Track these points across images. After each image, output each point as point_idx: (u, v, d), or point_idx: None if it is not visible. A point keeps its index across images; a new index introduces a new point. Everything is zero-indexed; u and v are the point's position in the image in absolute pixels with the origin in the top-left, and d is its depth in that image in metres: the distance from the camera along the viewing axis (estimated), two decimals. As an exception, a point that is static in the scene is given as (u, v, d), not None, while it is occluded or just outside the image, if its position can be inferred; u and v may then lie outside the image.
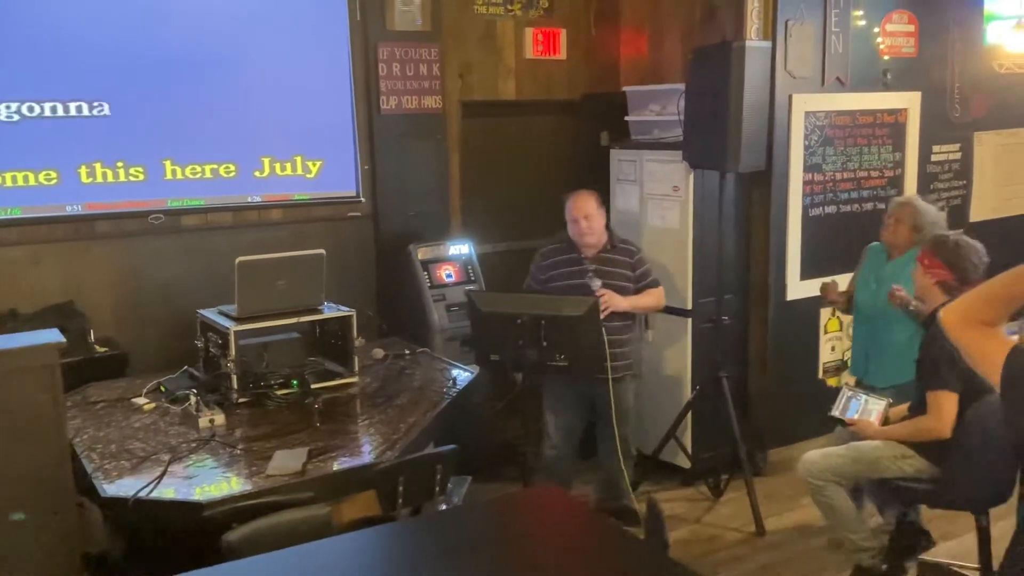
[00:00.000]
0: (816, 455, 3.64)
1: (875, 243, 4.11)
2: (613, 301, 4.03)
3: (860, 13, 4.92)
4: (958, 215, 5.61)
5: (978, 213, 5.78)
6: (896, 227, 3.95)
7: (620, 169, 4.97)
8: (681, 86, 4.50)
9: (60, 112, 4.29)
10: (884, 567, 3.61)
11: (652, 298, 4.19)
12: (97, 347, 4.23)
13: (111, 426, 3.39)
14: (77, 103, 4.32)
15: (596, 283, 4.06)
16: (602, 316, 3.85)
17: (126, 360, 4.23)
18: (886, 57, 5.08)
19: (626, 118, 5.10)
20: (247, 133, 4.73)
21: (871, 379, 3.98)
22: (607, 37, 5.64)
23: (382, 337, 4.55)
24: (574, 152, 5.86)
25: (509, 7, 5.48)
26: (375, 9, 4.93)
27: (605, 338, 4.05)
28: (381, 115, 5.02)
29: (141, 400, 3.65)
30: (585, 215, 4.09)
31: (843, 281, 4.26)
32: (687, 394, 4.67)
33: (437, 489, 3.08)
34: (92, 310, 4.35)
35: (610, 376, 3.96)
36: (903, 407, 3.58)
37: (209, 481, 2.89)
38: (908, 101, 5.21)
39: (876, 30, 5.01)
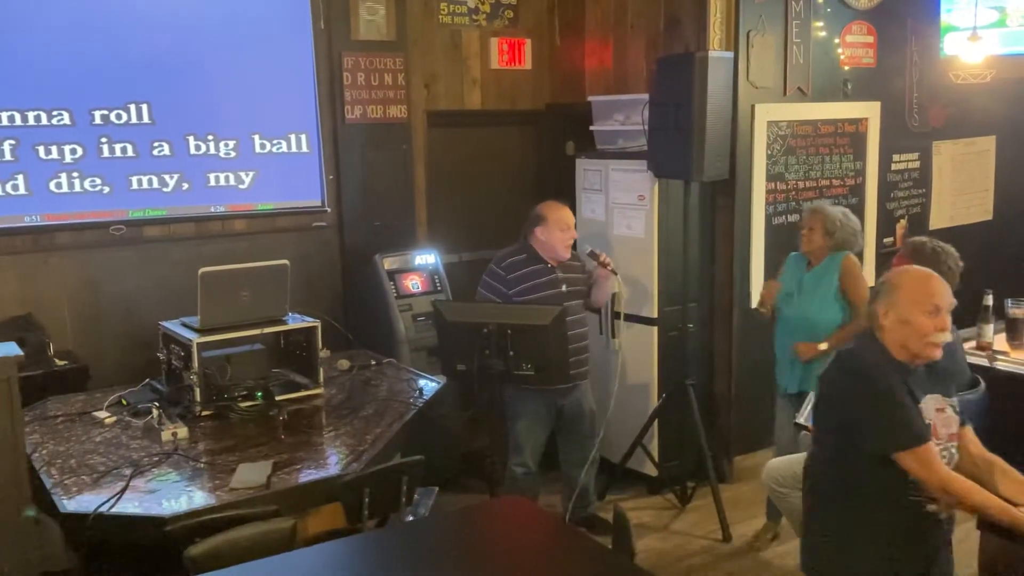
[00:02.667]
0: (779, 462, 3.67)
1: (794, 252, 4.17)
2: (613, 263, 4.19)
3: (820, 24, 4.99)
4: (918, 223, 5.70)
5: (937, 221, 5.88)
6: (810, 235, 4.02)
7: (586, 178, 5.00)
8: (645, 96, 4.54)
9: (18, 121, 4.22)
10: None
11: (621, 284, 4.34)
12: (56, 360, 4.16)
13: (71, 441, 3.33)
14: (36, 112, 4.26)
15: (600, 254, 4.17)
16: (614, 270, 4.12)
17: (86, 373, 4.17)
18: (846, 68, 5.15)
19: (591, 128, 5.13)
20: (209, 142, 4.69)
21: (806, 386, 3.97)
22: (572, 47, 5.67)
23: (348, 348, 4.52)
24: (540, 162, 5.89)
25: (474, 17, 5.49)
26: (339, 18, 4.91)
27: (583, 343, 4.17)
28: (346, 124, 5.00)
29: (102, 414, 3.60)
30: (572, 224, 4.16)
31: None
32: (653, 402, 4.69)
33: (403, 500, 3.07)
34: (51, 323, 4.28)
35: (591, 382, 4.00)
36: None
37: (172, 495, 2.85)
38: (868, 111, 5.29)
39: (836, 41, 5.09)
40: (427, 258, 5.00)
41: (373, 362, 4.30)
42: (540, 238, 4.12)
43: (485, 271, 4.20)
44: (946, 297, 2.56)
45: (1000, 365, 3.87)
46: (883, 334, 2.56)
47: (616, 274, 4.19)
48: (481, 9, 5.51)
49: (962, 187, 6.04)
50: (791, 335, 4.04)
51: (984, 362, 3.87)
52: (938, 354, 2.54)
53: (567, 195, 4.76)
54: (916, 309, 2.50)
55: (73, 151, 4.36)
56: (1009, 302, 4.14)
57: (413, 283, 4.88)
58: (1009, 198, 6.30)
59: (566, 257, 4.16)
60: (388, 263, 4.87)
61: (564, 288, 4.13)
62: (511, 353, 3.64)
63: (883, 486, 2.52)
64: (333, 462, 3.17)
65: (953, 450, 2.62)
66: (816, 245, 4.00)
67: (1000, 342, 4.07)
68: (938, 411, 2.59)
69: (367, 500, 2.92)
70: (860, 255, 4.09)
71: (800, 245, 4.09)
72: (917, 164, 5.71)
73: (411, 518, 3.24)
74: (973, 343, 3.99)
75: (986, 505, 2.50)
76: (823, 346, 3.85)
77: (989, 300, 4.02)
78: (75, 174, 4.38)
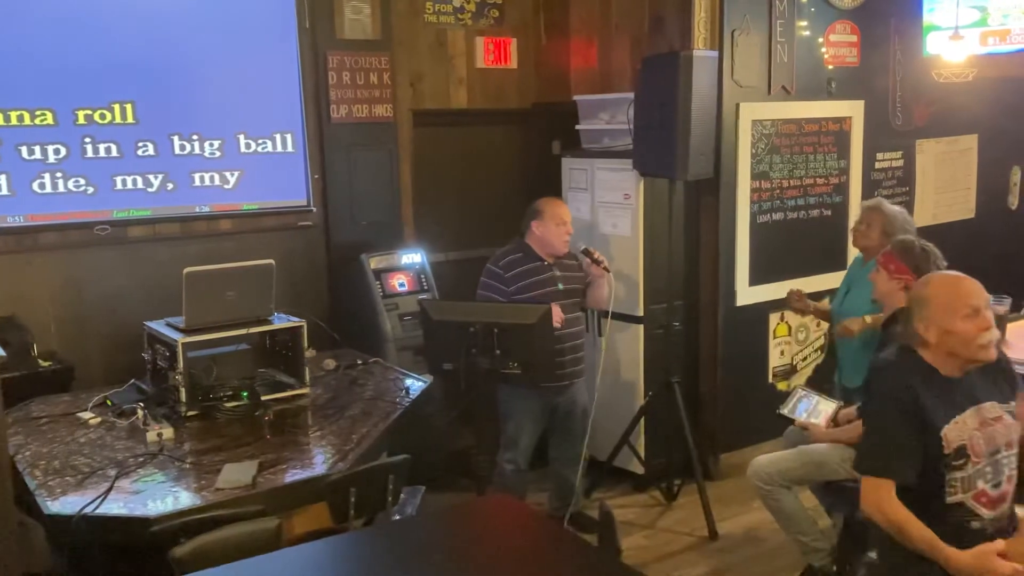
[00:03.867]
0: (765, 460, 3.69)
1: (859, 255, 4.15)
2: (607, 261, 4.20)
3: (804, 23, 5.02)
4: (901, 221, 5.74)
5: (920, 219, 5.90)
6: (867, 232, 3.98)
7: (571, 177, 5.01)
8: (630, 95, 4.55)
9: (0, 121, 4.20)
10: (835, 568, 3.66)
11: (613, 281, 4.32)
12: (40, 361, 4.14)
13: (55, 442, 3.32)
14: (18, 112, 4.24)
15: (594, 251, 4.20)
16: (608, 269, 4.15)
17: (71, 374, 4.15)
18: (830, 66, 5.18)
19: (577, 127, 5.14)
20: (194, 142, 4.67)
21: (845, 381, 4.00)
22: (557, 46, 5.68)
23: (334, 347, 4.52)
24: (526, 161, 5.89)
25: (459, 16, 5.49)
26: (324, 17, 4.90)
27: (578, 342, 4.20)
28: (331, 124, 4.99)
29: (86, 415, 3.58)
30: (569, 220, 4.18)
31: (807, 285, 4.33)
32: (640, 400, 4.71)
33: (390, 500, 3.07)
34: (35, 324, 4.25)
35: (594, 379, 4.04)
36: (852, 409, 3.64)
37: (157, 496, 2.84)
38: (852, 109, 5.32)
39: (820, 40, 5.11)
40: (413, 257, 4.99)
41: (359, 361, 4.29)
42: (536, 233, 4.14)
43: (483, 272, 4.21)
44: (981, 295, 2.50)
45: (982, 362, 3.89)
46: (930, 350, 2.48)
47: (609, 271, 4.20)
48: (466, 8, 5.51)
49: (945, 185, 6.08)
50: (846, 348, 4.00)
51: (967, 359, 3.89)
52: (993, 354, 2.47)
53: (553, 194, 4.75)
54: (954, 316, 2.42)
55: (56, 151, 4.34)
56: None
57: (399, 282, 4.88)
58: (991, 196, 6.35)
59: (563, 252, 4.17)
60: (374, 262, 4.86)
61: (560, 286, 4.14)
62: (498, 352, 3.64)
63: (920, 501, 2.45)
64: (319, 462, 3.17)
65: (1005, 462, 2.52)
66: (872, 242, 3.94)
67: (983, 339, 4.09)
68: (992, 421, 2.50)
69: (353, 500, 2.91)
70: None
71: (853, 239, 4.07)
72: (901, 162, 5.75)
73: (398, 517, 3.24)
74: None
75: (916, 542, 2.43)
76: (869, 319, 3.79)
77: (971, 297, 4.04)
78: (59, 174, 4.35)
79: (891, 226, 3.93)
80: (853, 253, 5.30)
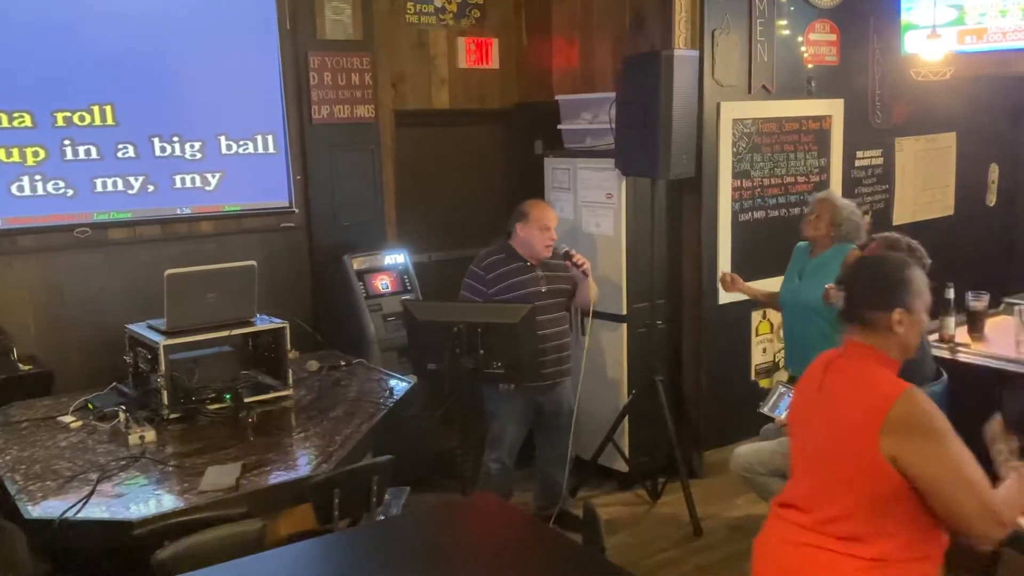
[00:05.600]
0: (746, 449, 3.73)
1: (802, 243, 4.22)
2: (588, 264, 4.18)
3: (784, 23, 5.05)
4: (881, 219, 5.78)
5: (900, 217, 5.96)
6: (816, 222, 4.06)
7: (554, 177, 5.01)
8: (612, 95, 4.56)
9: (-22, 124, 4.17)
10: None
11: (595, 285, 4.30)
12: (20, 365, 4.11)
13: (36, 446, 3.29)
14: (-4, 114, 4.21)
15: (575, 254, 4.17)
16: (588, 274, 4.13)
17: (51, 378, 4.12)
18: (810, 65, 5.21)
19: (559, 127, 5.15)
20: (175, 144, 4.65)
21: (797, 371, 4.05)
22: (539, 46, 5.69)
23: (317, 349, 4.51)
24: (508, 161, 5.89)
25: (441, 17, 5.49)
26: (305, 18, 4.89)
27: (563, 342, 4.20)
28: (313, 125, 4.98)
29: (67, 418, 3.55)
30: (553, 224, 4.16)
31: (774, 284, 4.39)
32: (623, 399, 4.72)
33: (374, 500, 3.06)
34: (15, 327, 4.22)
35: (580, 379, 4.06)
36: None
37: (139, 499, 2.83)
38: (832, 108, 5.35)
39: (800, 39, 5.14)
40: (396, 258, 4.99)
41: (343, 363, 4.28)
42: (520, 235, 4.13)
43: (467, 272, 4.21)
44: None
45: (961, 357, 3.94)
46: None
47: (588, 276, 4.18)
48: (448, 8, 5.51)
49: (924, 183, 6.13)
50: (793, 321, 4.13)
51: (946, 354, 3.94)
52: None
53: (536, 194, 4.77)
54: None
55: (35, 153, 4.30)
56: (970, 295, 4.21)
57: (383, 283, 4.87)
58: (969, 193, 6.41)
59: (545, 256, 4.16)
60: (357, 263, 4.85)
61: (543, 288, 4.13)
62: (481, 352, 3.65)
63: None
64: (303, 463, 3.16)
65: None
66: (821, 232, 4.04)
67: (961, 334, 4.14)
68: None
69: (338, 501, 2.91)
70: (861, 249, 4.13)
71: (804, 230, 4.13)
72: (880, 160, 5.79)
73: (382, 518, 3.23)
74: (936, 336, 4.05)
75: None
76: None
77: (950, 294, 4.09)
78: (37, 177, 4.32)
79: (839, 216, 4.00)
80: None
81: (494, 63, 5.71)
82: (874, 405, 2.11)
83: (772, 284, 4.47)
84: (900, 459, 2.07)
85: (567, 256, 4.17)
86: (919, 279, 2.26)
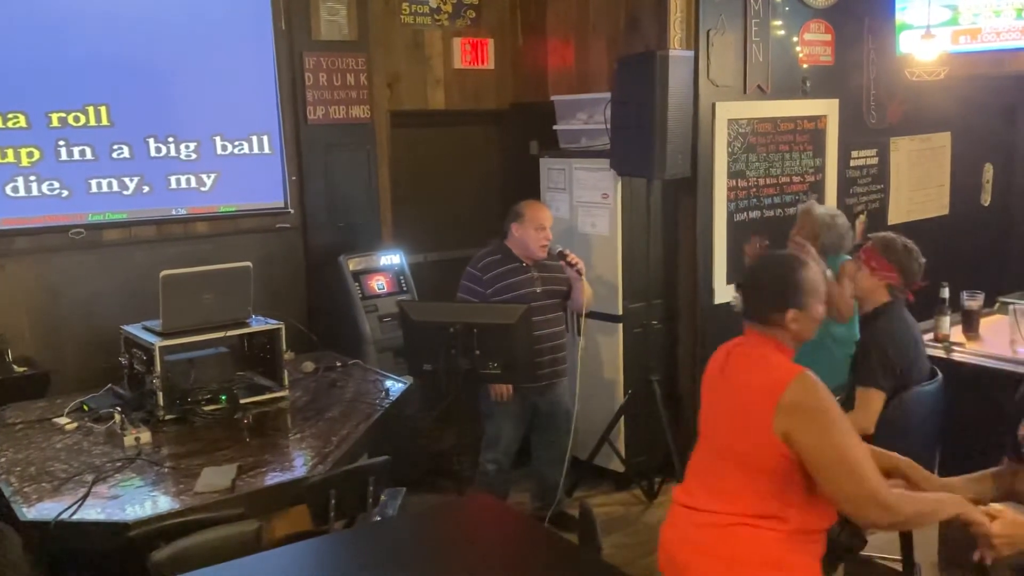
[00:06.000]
0: None
1: None
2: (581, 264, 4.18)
3: (779, 23, 5.05)
4: (877, 219, 5.79)
5: (895, 216, 5.97)
6: (799, 232, 4.11)
7: (550, 177, 5.02)
8: (607, 95, 4.57)
9: (-28, 125, 4.16)
10: None
11: (588, 286, 4.29)
12: (16, 367, 4.10)
13: (31, 448, 3.29)
14: (-10, 115, 4.19)
15: (568, 254, 4.16)
16: (582, 273, 4.10)
17: (47, 380, 4.11)
18: (805, 65, 5.22)
19: (554, 127, 5.15)
20: (170, 145, 4.64)
21: None
22: (534, 47, 5.68)
23: (313, 350, 4.50)
24: (504, 161, 5.90)
25: (436, 17, 5.49)
26: (300, 18, 4.88)
27: (560, 342, 4.20)
28: (308, 125, 4.97)
29: (63, 420, 3.55)
30: (548, 224, 4.16)
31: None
32: (619, 399, 4.72)
33: (370, 501, 3.06)
34: (9, 329, 4.21)
35: (577, 380, 4.02)
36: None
37: (135, 501, 2.82)
38: (827, 108, 5.36)
39: (795, 39, 5.15)
40: (392, 258, 4.99)
41: (339, 364, 4.28)
42: (515, 235, 4.14)
43: (463, 273, 4.21)
44: None
45: (956, 356, 3.95)
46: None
47: (582, 275, 4.19)
48: (443, 9, 5.50)
49: (919, 183, 6.14)
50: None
51: (941, 353, 3.94)
52: None
53: (532, 195, 4.77)
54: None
55: (30, 154, 4.29)
56: (964, 295, 4.22)
57: (378, 284, 4.87)
58: (964, 193, 6.42)
59: (540, 257, 4.16)
60: (353, 264, 4.85)
61: (539, 288, 4.14)
62: (477, 352, 3.65)
63: None
64: (299, 464, 3.16)
65: None
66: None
67: (956, 334, 4.15)
68: None
69: (334, 502, 2.91)
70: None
71: (789, 244, 4.14)
72: (875, 160, 5.80)
73: (378, 519, 3.23)
74: (931, 335, 4.06)
75: None
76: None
77: (945, 293, 4.10)
78: (32, 177, 4.31)
79: (815, 228, 4.02)
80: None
81: (489, 63, 5.71)
82: (770, 387, 2.26)
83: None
84: (791, 438, 2.22)
85: (561, 256, 4.18)
86: (810, 277, 2.39)
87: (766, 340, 2.39)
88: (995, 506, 2.26)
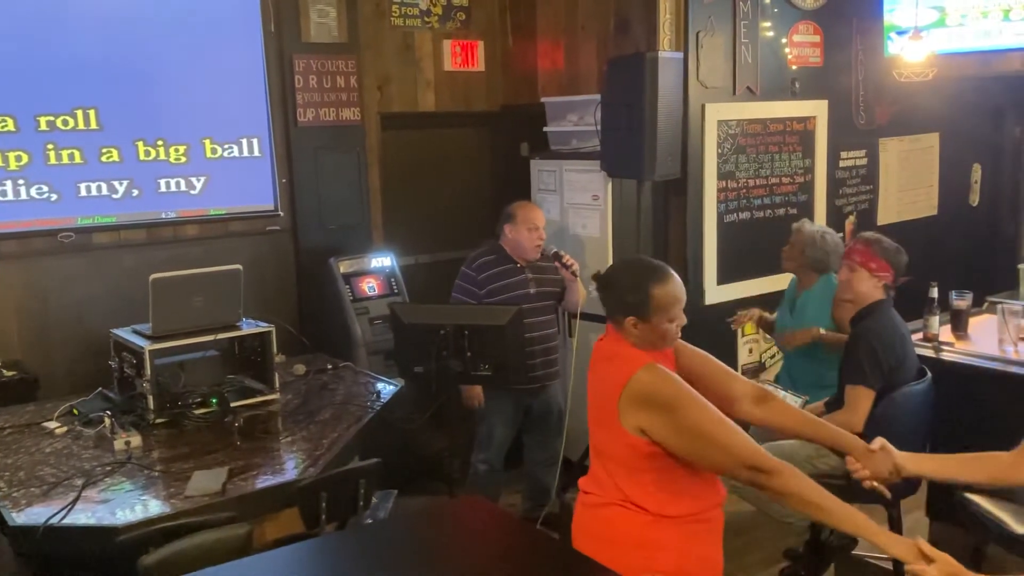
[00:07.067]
0: None
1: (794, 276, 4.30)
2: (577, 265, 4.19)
3: (768, 24, 5.07)
4: (866, 219, 5.81)
5: (884, 217, 5.99)
6: (789, 252, 4.17)
7: (541, 179, 5.02)
8: (598, 97, 4.57)
9: (-40, 128, 4.14)
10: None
11: (583, 287, 4.30)
12: (4, 371, 4.08)
13: (20, 452, 3.27)
14: (-22, 119, 4.18)
15: (563, 255, 4.17)
16: (577, 274, 4.12)
17: (36, 384, 4.09)
18: (794, 67, 5.24)
19: (545, 129, 5.16)
20: (159, 148, 4.63)
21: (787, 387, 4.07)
22: (524, 49, 5.69)
23: (303, 353, 4.49)
24: (495, 163, 5.90)
25: (426, 19, 5.49)
26: (290, 20, 4.88)
27: (553, 344, 4.22)
28: (298, 127, 4.97)
29: (52, 424, 3.53)
30: (541, 224, 4.17)
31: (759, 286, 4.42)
32: (611, 400, 4.72)
33: (361, 504, 3.06)
34: (-2, 333, 4.20)
35: (571, 381, 4.07)
36: (820, 404, 3.69)
37: (125, 505, 2.81)
38: (816, 109, 5.38)
39: (784, 41, 5.17)
40: (383, 261, 4.98)
41: (329, 366, 4.27)
42: (508, 236, 4.15)
43: (458, 274, 4.21)
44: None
45: (945, 356, 3.96)
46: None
47: (576, 277, 4.19)
48: (433, 11, 5.51)
49: (907, 183, 6.17)
50: (787, 355, 4.21)
51: (930, 353, 3.96)
52: None
53: (522, 196, 4.77)
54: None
55: (18, 158, 4.28)
56: (953, 294, 4.23)
57: (369, 286, 4.86)
58: (953, 193, 6.45)
59: (534, 257, 4.17)
60: (343, 266, 4.85)
61: (533, 289, 4.14)
62: (469, 354, 3.65)
63: None
64: (290, 467, 3.15)
65: None
66: (796, 264, 4.13)
67: (945, 333, 4.17)
68: None
69: (325, 504, 2.90)
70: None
71: (783, 263, 4.22)
72: (864, 161, 5.82)
73: (369, 521, 3.23)
74: (920, 335, 4.07)
75: None
76: (823, 330, 3.91)
77: (934, 293, 4.11)
78: (21, 181, 4.29)
79: (803, 244, 4.08)
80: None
81: (479, 65, 5.72)
82: (616, 380, 2.34)
83: (758, 285, 4.49)
84: (646, 429, 2.30)
85: (556, 257, 4.18)
86: (665, 293, 2.40)
87: (619, 338, 2.46)
88: (934, 552, 2.11)
